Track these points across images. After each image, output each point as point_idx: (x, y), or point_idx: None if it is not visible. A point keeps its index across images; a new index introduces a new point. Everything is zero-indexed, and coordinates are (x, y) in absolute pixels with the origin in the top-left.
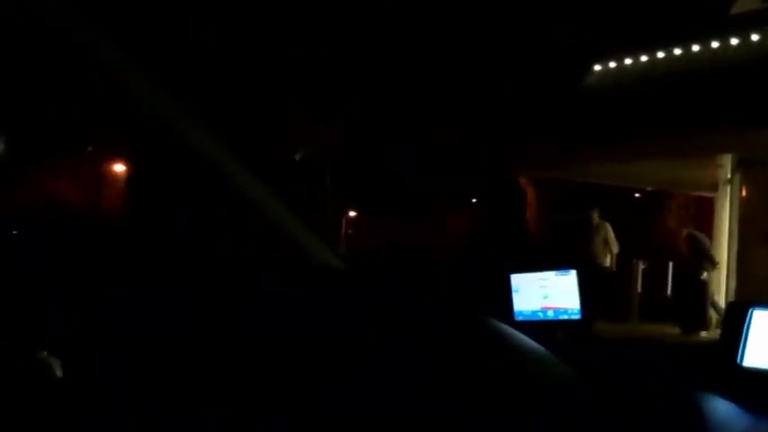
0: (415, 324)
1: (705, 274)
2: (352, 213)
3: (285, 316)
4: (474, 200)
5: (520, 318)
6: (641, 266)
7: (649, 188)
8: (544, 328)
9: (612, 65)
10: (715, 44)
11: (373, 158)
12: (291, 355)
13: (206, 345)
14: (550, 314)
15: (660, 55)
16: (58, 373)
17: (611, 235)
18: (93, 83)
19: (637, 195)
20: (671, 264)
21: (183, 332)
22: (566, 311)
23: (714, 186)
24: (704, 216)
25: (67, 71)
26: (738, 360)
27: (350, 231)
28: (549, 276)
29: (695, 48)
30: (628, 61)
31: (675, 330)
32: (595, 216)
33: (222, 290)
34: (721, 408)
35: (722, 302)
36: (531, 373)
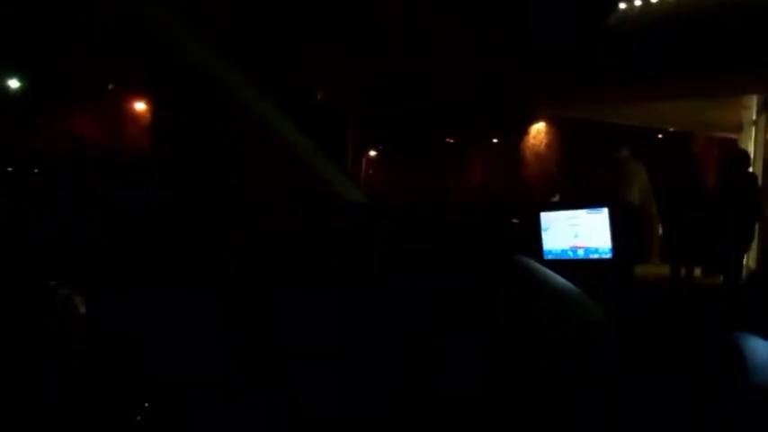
0: (439, 264)
1: None
2: (372, 153)
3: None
4: (495, 140)
5: (549, 257)
6: None
7: (672, 129)
8: (575, 267)
9: (638, 2)
10: None
11: (393, 98)
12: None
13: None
14: (580, 253)
15: None
16: (81, 309)
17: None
18: (114, 18)
19: (659, 136)
20: None
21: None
22: (596, 250)
23: (738, 128)
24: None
25: (87, 7)
26: None
27: (370, 171)
28: (580, 215)
29: None
30: None
31: (697, 272)
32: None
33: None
34: (761, 347)
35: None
36: (561, 310)
